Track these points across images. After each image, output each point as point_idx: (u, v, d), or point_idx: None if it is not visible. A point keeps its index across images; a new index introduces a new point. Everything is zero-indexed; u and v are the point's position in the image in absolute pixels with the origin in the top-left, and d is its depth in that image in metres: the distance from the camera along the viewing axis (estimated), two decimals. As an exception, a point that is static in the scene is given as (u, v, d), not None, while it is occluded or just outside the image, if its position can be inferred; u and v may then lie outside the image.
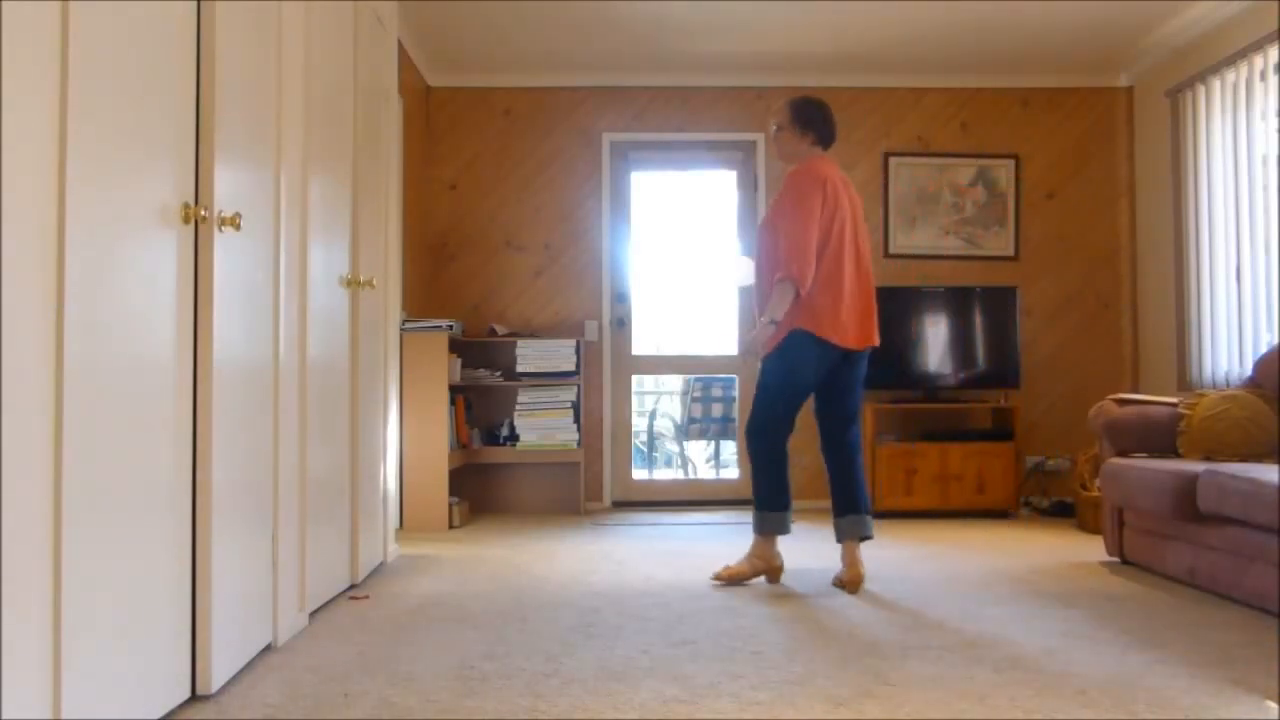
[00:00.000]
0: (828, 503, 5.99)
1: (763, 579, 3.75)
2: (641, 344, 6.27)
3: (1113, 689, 2.38)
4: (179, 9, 2.21)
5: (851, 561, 3.64)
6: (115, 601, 1.92)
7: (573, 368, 5.75)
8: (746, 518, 5.59)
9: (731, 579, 3.69)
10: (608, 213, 6.17)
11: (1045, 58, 5.91)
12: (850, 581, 3.59)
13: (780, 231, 3.60)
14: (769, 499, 3.70)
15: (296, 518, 2.95)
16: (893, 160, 6.21)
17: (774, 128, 3.80)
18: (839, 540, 3.69)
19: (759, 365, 3.65)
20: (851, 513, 3.69)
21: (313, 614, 3.15)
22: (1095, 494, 5.04)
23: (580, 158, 6.17)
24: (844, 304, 3.61)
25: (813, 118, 3.75)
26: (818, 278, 3.58)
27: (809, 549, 4.48)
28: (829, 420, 3.81)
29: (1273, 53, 4.78)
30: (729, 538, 4.84)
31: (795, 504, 6.02)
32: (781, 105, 3.80)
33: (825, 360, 3.65)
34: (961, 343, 5.90)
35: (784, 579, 3.79)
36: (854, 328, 3.64)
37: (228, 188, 2.39)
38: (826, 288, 3.59)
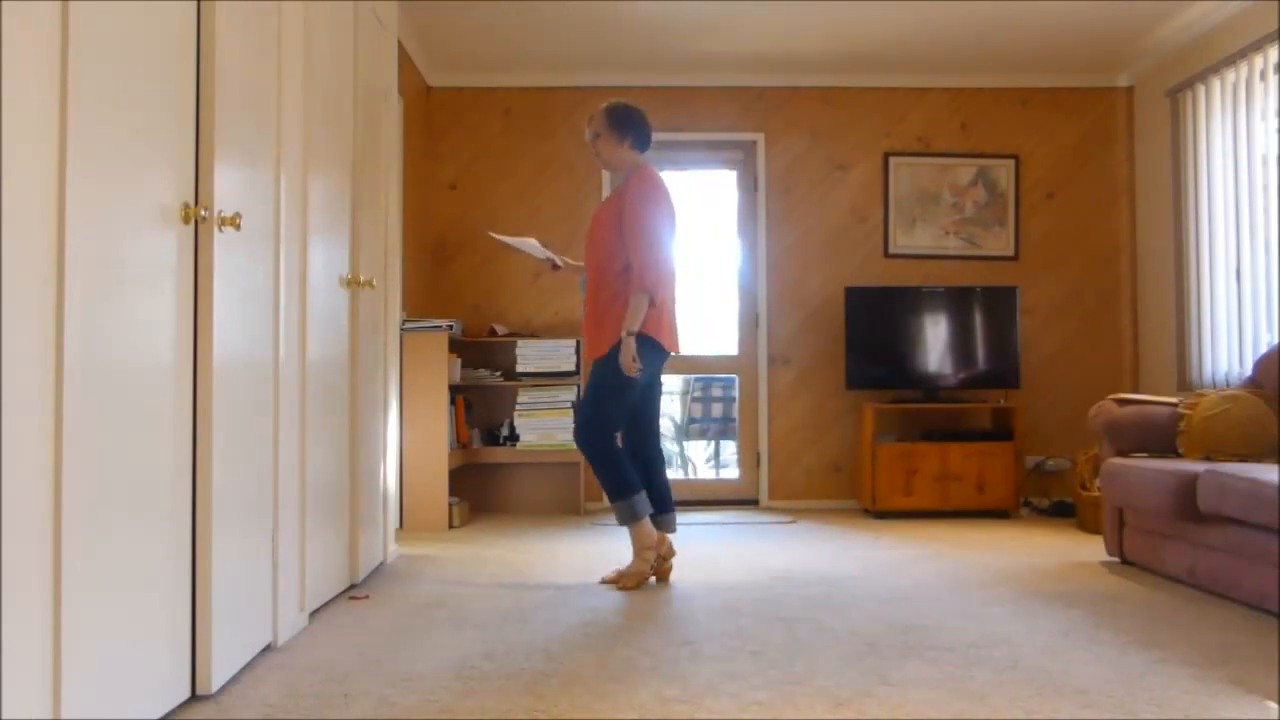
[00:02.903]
0: (829, 503, 6.07)
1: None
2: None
3: (1113, 689, 2.38)
4: (179, 9, 2.21)
5: (669, 551, 3.79)
6: (115, 601, 1.92)
7: (573, 368, 5.75)
8: (747, 518, 5.59)
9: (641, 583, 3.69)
10: (608, 213, 6.17)
11: (1045, 58, 5.91)
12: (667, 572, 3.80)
13: (632, 237, 3.63)
14: (627, 486, 3.67)
15: (296, 518, 2.95)
16: (893, 160, 6.21)
17: (591, 135, 3.84)
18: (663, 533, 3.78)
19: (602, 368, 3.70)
20: (671, 511, 3.85)
21: (313, 614, 3.15)
22: (1095, 494, 5.04)
23: (580, 158, 6.17)
24: (674, 310, 3.81)
25: (629, 121, 3.81)
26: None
27: (809, 549, 4.48)
28: (646, 423, 3.90)
29: (1273, 53, 4.78)
30: (729, 537, 4.84)
31: (798, 503, 6.10)
32: (598, 111, 3.84)
33: (658, 363, 3.78)
34: (962, 343, 5.90)
35: (783, 577, 3.78)
36: (677, 333, 3.83)
37: (228, 188, 2.39)
38: (667, 295, 3.74)
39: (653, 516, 3.76)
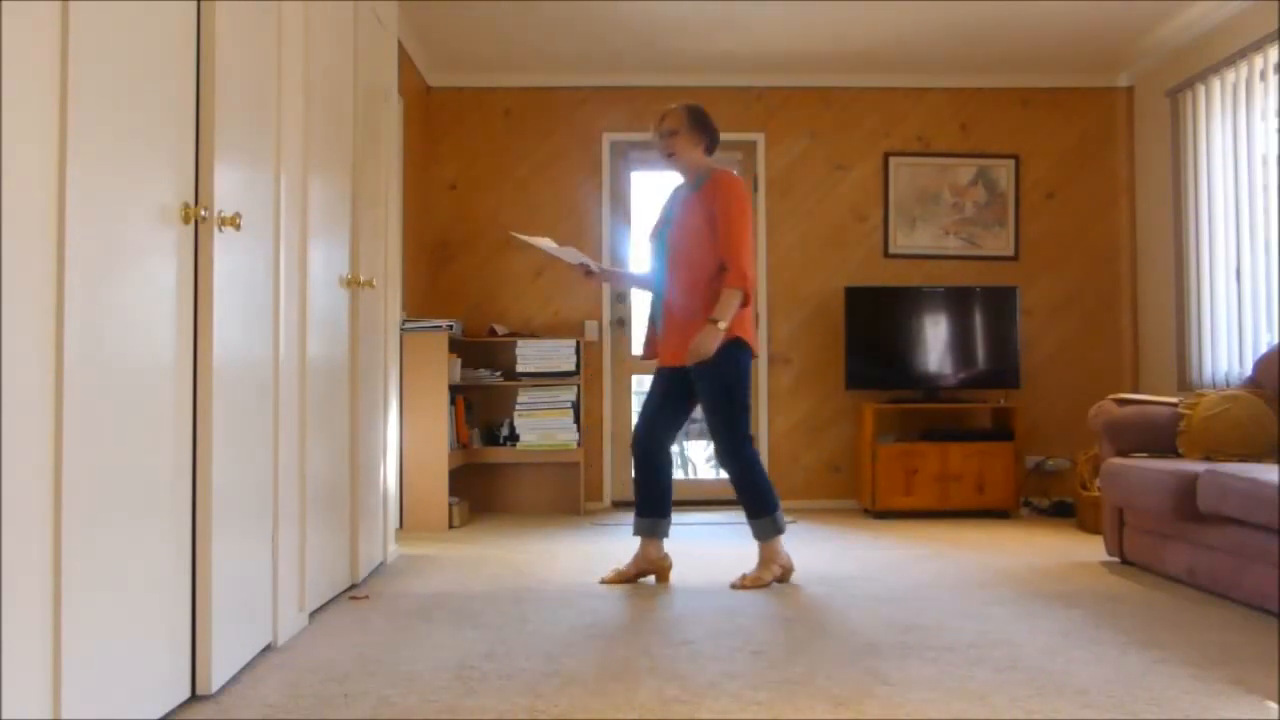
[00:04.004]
0: (829, 503, 6.07)
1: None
2: (641, 344, 6.25)
3: (1113, 689, 2.38)
4: (179, 9, 2.21)
5: (665, 554, 3.80)
6: (115, 601, 1.92)
7: (573, 368, 5.75)
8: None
9: (755, 585, 3.66)
10: (608, 213, 6.17)
11: (1045, 58, 5.91)
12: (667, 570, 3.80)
13: (728, 237, 3.62)
14: (774, 500, 3.70)
15: (296, 518, 2.95)
16: (893, 160, 6.21)
17: (666, 131, 3.80)
18: (661, 536, 3.77)
19: (714, 380, 3.65)
20: (669, 516, 3.82)
21: (313, 614, 3.15)
22: (1095, 494, 5.04)
23: (580, 158, 6.17)
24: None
25: (707, 125, 3.83)
26: None
27: (809, 549, 4.48)
28: (674, 428, 3.87)
29: (1273, 53, 4.78)
30: (729, 537, 4.83)
31: (797, 503, 6.10)
32: (676, 109, 3.83)
33: (749, 365, 3.76)
34: (962, 343, 5.90)
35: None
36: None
37: (228, 188, 2.39)
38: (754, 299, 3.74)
39: (654, 522, 3.75)
